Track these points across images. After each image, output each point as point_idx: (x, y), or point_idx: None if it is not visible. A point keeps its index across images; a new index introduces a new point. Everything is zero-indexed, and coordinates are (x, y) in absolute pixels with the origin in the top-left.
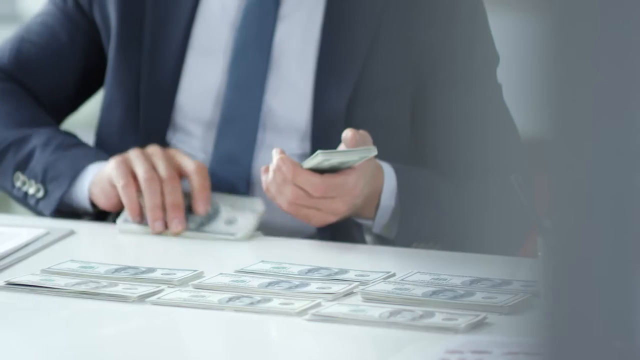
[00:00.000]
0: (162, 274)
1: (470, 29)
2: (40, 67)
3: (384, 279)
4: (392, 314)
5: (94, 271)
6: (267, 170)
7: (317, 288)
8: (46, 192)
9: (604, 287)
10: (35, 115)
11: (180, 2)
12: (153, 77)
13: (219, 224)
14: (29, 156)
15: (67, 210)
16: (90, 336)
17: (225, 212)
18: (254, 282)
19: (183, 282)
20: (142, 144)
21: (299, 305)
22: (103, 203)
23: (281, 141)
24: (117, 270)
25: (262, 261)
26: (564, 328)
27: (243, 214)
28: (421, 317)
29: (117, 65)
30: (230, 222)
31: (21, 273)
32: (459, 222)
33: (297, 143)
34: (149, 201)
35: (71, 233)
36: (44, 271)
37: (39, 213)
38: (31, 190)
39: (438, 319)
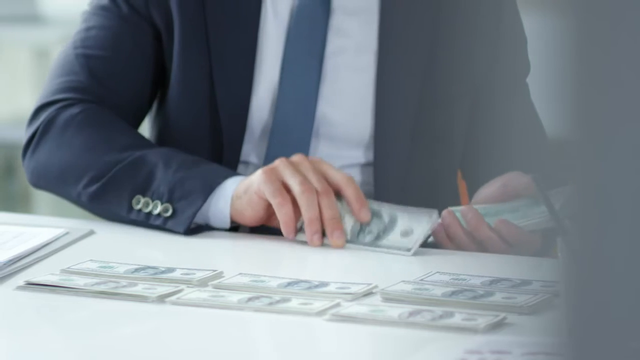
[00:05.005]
0: (181, 274)
1: (512, 40)
2: (117, 79)
3: (403, 279)
4: (412, 314)
5: (114, 271)
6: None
7: (336, 288)
8: (174, 211)
9: (623, 288)
10: (135, 137)
11: (244, 7)
12: (228, 83)
13: (395, 236)
14: (149, 178)
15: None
16: (109, 336)
17: (402, 221)
18: (273, 282)
19: (202, 282)
20: (218, 151)
21: (318, 305)
22: (248, 216)
23: (336, 151)
24: (136, 270)
25: None
26: (584, 328)
27: (419, 224)
28: (441, 317)
29: (184, 71)
30: (406, 233)
31: (41, 273)
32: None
33: (360, 152)
34: (307, 213)
35: (91, 233)
36: (63, 271)
37: (165, 229)
38: (156, 211)
39: (457, 319)
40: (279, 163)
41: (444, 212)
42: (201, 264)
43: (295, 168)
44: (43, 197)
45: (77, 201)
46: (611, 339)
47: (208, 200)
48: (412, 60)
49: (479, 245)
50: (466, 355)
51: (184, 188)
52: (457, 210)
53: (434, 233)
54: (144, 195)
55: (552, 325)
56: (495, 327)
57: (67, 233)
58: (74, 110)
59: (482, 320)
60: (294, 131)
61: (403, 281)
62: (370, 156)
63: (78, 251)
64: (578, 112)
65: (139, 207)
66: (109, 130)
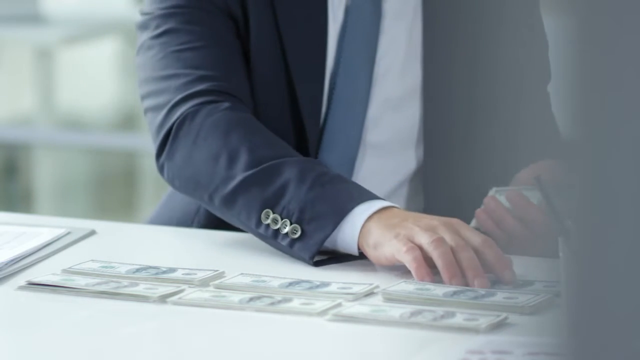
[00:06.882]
0: (183, 274)
1: (540, 48)
2: (232, 70)
3: (405, 278)
4: (413, 314)
5: (115, 271)
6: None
7: (337, 288)
8: (303, 233)
9: (624, 288)
10: (274, 143)
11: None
12: (308, 86)
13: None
14: (281, 191)
15: (324, 251)
16: (110, 336)
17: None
18: (275, 282)
19: (204, 282)
20: (304, 150)
21: (319, 305)
22: (375, 262)
23: (383, 159)
24: (138, 270)
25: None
26: (585, 329)
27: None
28: (442, 317)
29: (262, 70)
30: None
31: (42, 273)
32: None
33: (408, 158)
34: (440, 261)
35: (92, 233)
36: (64, 271)
37: (291, 253)
38: (284, 230)
39: (459, 319)
40: (410, 225)
41: (486, 198)
42: (203, 264)
43: (430, 229)
44: (44, 197)
45: (210, 204)
46: (613, 339)
47: (339, 227)
48: (457, 66)
49: (529, 228)
50: (468, 355)
51: (315, 209)
52: (502, 191)
53: (479, 221)
54: (273, 211)
55: (554, 325)
56: (497, 327)
57: (68, 233)
58: (217, 107)
59: (484, 320)
60: (343, 135)
61: (404, 281)
62: (412, 165)
63: (79, 251)
64: (579, 112)
65: (267, 222)
66: (248, 134)
